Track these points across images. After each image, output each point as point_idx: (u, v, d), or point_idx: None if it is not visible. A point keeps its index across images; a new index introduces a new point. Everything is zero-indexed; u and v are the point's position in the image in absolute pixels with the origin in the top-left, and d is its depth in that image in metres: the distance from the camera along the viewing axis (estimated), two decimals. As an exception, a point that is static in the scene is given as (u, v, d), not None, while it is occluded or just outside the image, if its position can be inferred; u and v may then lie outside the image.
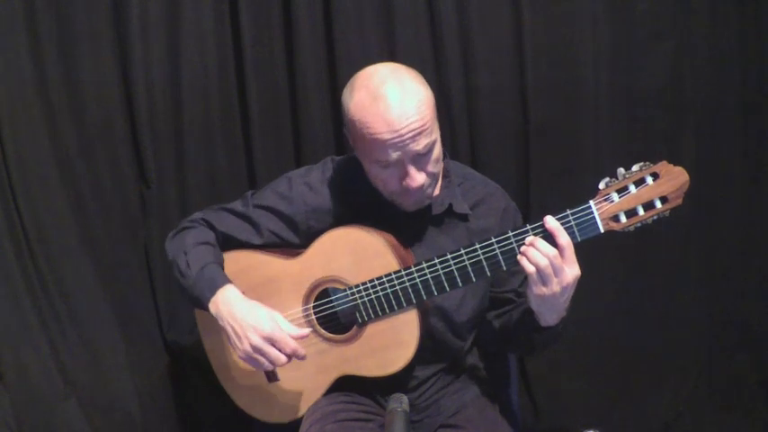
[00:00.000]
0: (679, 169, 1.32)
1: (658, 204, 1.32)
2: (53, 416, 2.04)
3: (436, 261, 1.43)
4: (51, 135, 2.07)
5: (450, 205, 1.56)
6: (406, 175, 1.42)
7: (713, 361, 2.31)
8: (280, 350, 1.48)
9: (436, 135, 1.45)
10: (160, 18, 2.08)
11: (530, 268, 1.33)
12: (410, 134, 1.38)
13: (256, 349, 1.47)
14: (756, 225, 2.27)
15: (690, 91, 2.19)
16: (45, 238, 2.07)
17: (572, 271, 1.34)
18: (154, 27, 2.08)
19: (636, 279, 2.27)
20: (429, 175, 1.45)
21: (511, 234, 1.37)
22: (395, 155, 1.40)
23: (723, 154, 2.23)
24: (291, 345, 1.48)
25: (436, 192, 1.53)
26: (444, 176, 1.57)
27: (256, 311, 1.50)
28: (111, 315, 2.15)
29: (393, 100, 1.38)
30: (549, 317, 1.41)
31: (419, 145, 1.40)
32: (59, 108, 2.07)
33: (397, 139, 1.38)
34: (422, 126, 1.39)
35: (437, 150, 1.46)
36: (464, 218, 1.57)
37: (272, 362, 1.48)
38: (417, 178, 1.42)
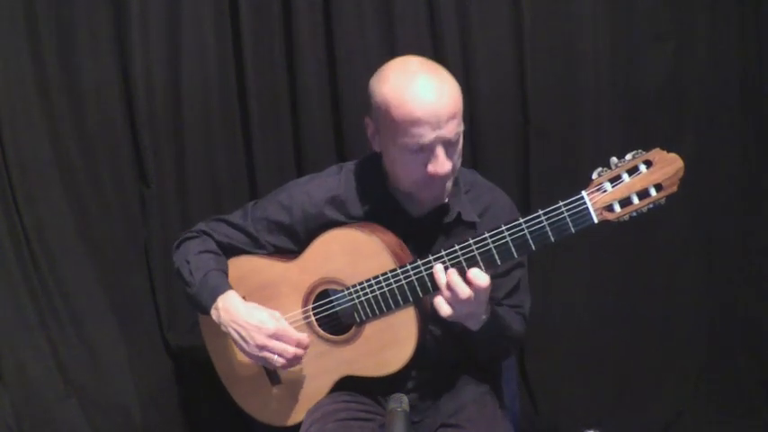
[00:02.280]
0: (672, 156, 1.28)
1: (653, 192, 1.29)
2: (53, 416, 2.04)
3: (431, 258, 1.42)
4: (51, 135, 2.08)
5: (459, 213, 1.55)
6: (434, 159, 1.41)
7: (713, 361, 2.31)
8: (285, 343, 1.52)
9: (463, 127, 1.45)
10: (160, 18, 2.08)
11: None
12: (446, 116, 1.38)
13: (263, 347, 1.52)
14: (756, 225, 2.27)
15: (690, 91, 2.19)
16: (45, 238, 2.07)
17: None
18: (154, 27, 2.08)
19: (636, 279, 2.27)
20: (453, 166, 1.46)
21: (504, 228, 1.36)
22: (429, 136, 1.38)
23: (723, 154, 2.23)
24: (294, 336, 1.53)
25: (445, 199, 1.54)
26: (453, 184, 1.55)
27: (258, 313, 1.54)
28: (111, 315, 2.15)
29: (432, 82, 1.40)
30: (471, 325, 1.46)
31: (452, 131, 1.40)
32: (59, 108, 2.07)
33: (433, 120, 1.38)
34: (456, 111, 1.41)
35: (461, 143, 1.47)
36: (472, 226, 1.56)
37: (280, 354, 1.52)
38: (446, 164, 1.42)
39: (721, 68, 2.19)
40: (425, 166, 1.42)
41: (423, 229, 1.56)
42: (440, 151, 1.40)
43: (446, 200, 1.53)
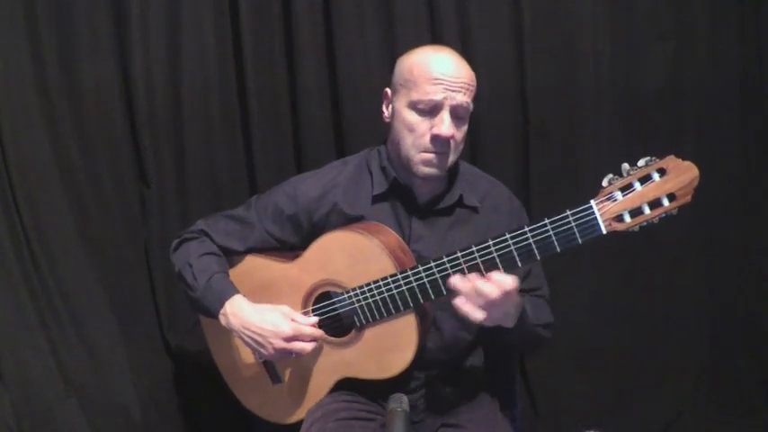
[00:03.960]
0: (688, 164, 1.23)
1: (666, 202, 1.23)
2: (53, 416, 2.04)
3: (432, 264, 1.40)
4: (51, 135, 2.07)
5: (461, 197, 1.58)
6: (440, 122, 1.47)
7: (713, 361, 2.31)
8: (302, 341, 1.53)
9: (472, 108, 1.53)
10: (160, 18, 2.08)
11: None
12: (461, 83, 1.49)
13: (281, 351, 1.52)
14: (756, 225, 2.27)
15: (690, 91, 2.19)
16: (45, 238, 2.07)
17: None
18: (154, 27, 2.08)
19: (636, 279, 2.27)
20: (455, 141, 1.50)
21: (508, 236, 1.34)
22: (442, 95, 1.47)
23: (723, 154, 2.23)
24: (309, 333, 1.53)
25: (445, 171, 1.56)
26: (455, 169, 1.59)
27: (269, 316, 1.53)
28: (111, 315, 2.15)
29: (454, 56, 1.54)
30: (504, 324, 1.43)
31: (463, 99, 1.49)
32: (59, 108, 2.07)
33: (448, 82, 1.48)
34: (470, 84, 1.51)
35: (466, 126, 1.54)
36: (474, 210, 1.60)
37: (299, 353, 1.53)
38: (450, 128, 1.48)
39: (721, 68, 2.19)
40: (431, 130, 1.48)
41: (425, 213, 1.58)
42: (447, 116, 1.47)
43: (443, 172, 1.54)
